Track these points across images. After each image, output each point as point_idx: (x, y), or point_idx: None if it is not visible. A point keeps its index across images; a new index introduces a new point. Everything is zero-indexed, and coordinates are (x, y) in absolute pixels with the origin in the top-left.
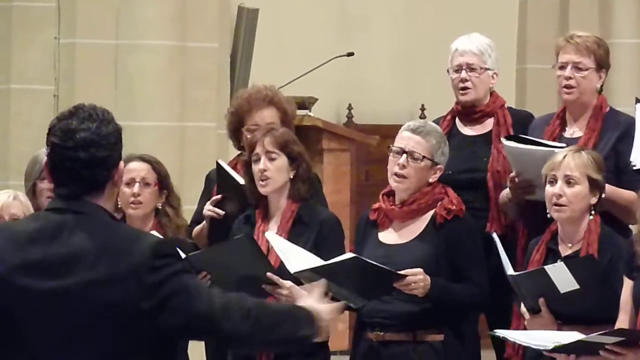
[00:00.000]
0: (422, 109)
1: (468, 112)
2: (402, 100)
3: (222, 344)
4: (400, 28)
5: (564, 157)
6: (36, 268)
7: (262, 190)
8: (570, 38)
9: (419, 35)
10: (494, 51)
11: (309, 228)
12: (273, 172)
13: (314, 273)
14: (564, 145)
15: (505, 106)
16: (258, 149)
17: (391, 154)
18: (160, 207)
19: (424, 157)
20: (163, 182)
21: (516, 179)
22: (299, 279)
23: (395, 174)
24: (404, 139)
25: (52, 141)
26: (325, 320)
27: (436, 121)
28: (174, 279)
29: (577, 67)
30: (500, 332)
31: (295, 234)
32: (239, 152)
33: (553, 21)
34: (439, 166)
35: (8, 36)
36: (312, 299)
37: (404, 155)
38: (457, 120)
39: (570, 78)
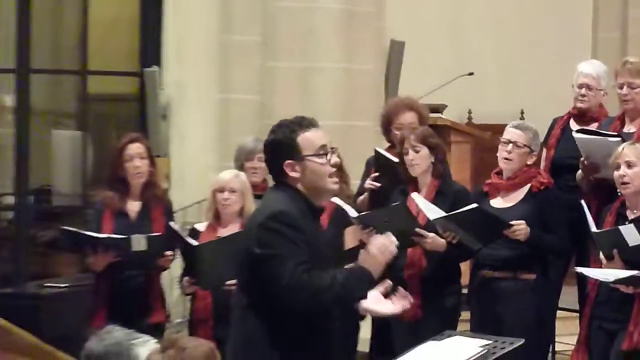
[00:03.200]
0: (522, 112)
1: (580, 116)
2: (507, 107)
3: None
4: (506, 52)
5: (623, 148)
6: None
7: (412, 174)
8: (624, 64)
9: (523, 59)
10: (607, 76)
11: (446, 197)
12: (419, 160)
13: (447, 220)
14: (615, 134)
15: (607, 116)
16: (406, 144)
17: (501, 144)
18: None
19: (524, 145)
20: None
21: (585, 162)
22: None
23: (505, 158)
24: (510, 133)
25: None
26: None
27: (555, 120)
28: (275, 238)
29: (631, 86)
30: (580, 269)
31: (437, 201)
32: (388, 144)
33: None
34: (534, 152)
35: (228, 60)
36: (372, 246)
37: (510, 145)
38: (571, 120)
39: (627, 95)
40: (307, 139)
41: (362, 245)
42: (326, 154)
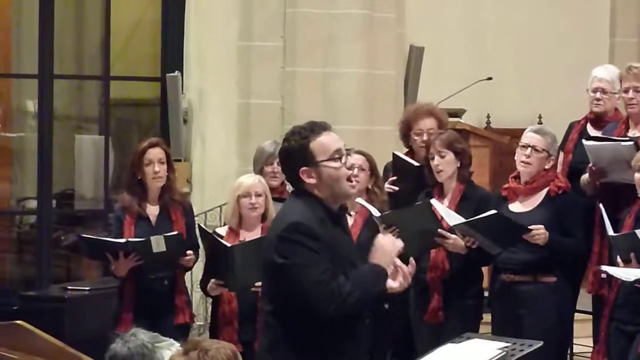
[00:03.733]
0: (540, 117)
1: (597, 120)
2: (525, 111)
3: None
4: (525, 56)
5: None
6: None
7: (438, 179)
8: (629, 69)
9: (540, 64)
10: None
11: (471, 201)
12: (444, 165)
13: (466, 226)
14: (626, 138)
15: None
16: (432, 149)
17: (519, 148)
18: (370, 187)
19: (543, 149)
20: (373, 169)
21: (593, 168)
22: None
23: (523, 162)
24: (529, 137)
25: None
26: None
27: (572, 124)
28: (295, 248)
29: (636, 90)
30: (605, 267)
31: (461, 206)
32: (407, 149)
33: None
34: (552, 157)
35: (249, 66)
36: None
37: (529, 149)
38: (588, 124)
39: (632, 98)
40: (321, 144)
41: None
42: (341, 158)
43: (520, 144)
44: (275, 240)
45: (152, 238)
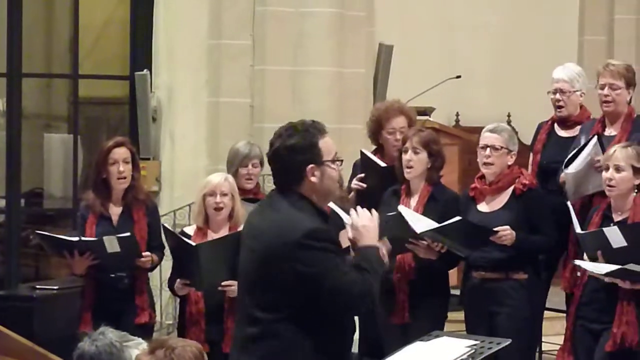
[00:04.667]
0: (509, 115)
1: (563, 121)
2: (494, 110)
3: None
4: (493, 55)
5: (614, 151)
6: (247, 231)
7: (406, 176)
8: (606, 66)
9: (510, 63)
10: (581, 76)
11: (439, 203)
12: (416, 162)
13: (434, 232)
14: (590, 137)
15: (590, 117)
16: (408, 144)
17: (479, 150)
18: None
19: (501, 147)
20: None
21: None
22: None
23: (484, 163)
24: (486, 138)
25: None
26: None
27: (540, 124)
28: (319, 255)
29: (612, 87)
30: (577, 262)
31: (428, 207)
32: (374, 147)
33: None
34: (513, 152)
35: (218, 64)
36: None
37: (488, 149)
38: (555, 125)
39: (608, 95)
40: (326, 144)
41: (354, 245)
42: (340, 161)
43: (479, 145)
44: (294, 248)
45: (105, 238)
